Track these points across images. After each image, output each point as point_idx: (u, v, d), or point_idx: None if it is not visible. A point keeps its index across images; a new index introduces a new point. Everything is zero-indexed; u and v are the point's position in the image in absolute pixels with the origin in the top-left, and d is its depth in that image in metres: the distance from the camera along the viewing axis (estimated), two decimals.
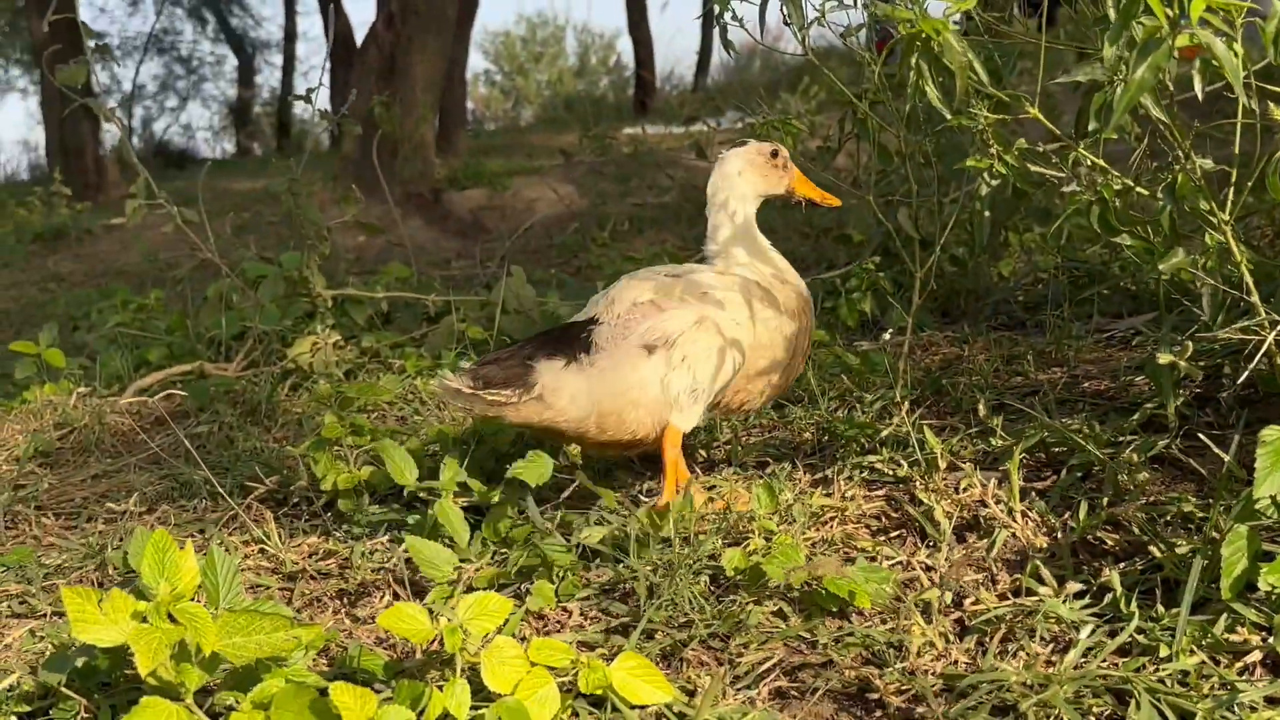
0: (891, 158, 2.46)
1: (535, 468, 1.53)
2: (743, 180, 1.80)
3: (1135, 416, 1.60)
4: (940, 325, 2.54)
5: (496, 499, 1.58)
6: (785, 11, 1.77)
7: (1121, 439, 1.57)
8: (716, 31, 1.98)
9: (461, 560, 1.52)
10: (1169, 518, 1.39)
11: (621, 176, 6.26)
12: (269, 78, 21.07)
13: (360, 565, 1.58)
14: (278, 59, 18.97)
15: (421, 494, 1.63)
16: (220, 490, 1.83)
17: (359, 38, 7.40)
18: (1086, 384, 1.89)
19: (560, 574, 1.45)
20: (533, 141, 10.92)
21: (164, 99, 19.45)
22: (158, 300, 3.51)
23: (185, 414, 2.52)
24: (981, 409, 1.68)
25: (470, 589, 1.46)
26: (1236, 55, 1.10)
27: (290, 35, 17.71)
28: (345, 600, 1.55)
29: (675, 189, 5.73)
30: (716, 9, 1.87)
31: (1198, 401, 1.65)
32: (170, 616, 1.11)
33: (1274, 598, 1.18)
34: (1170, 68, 1.23)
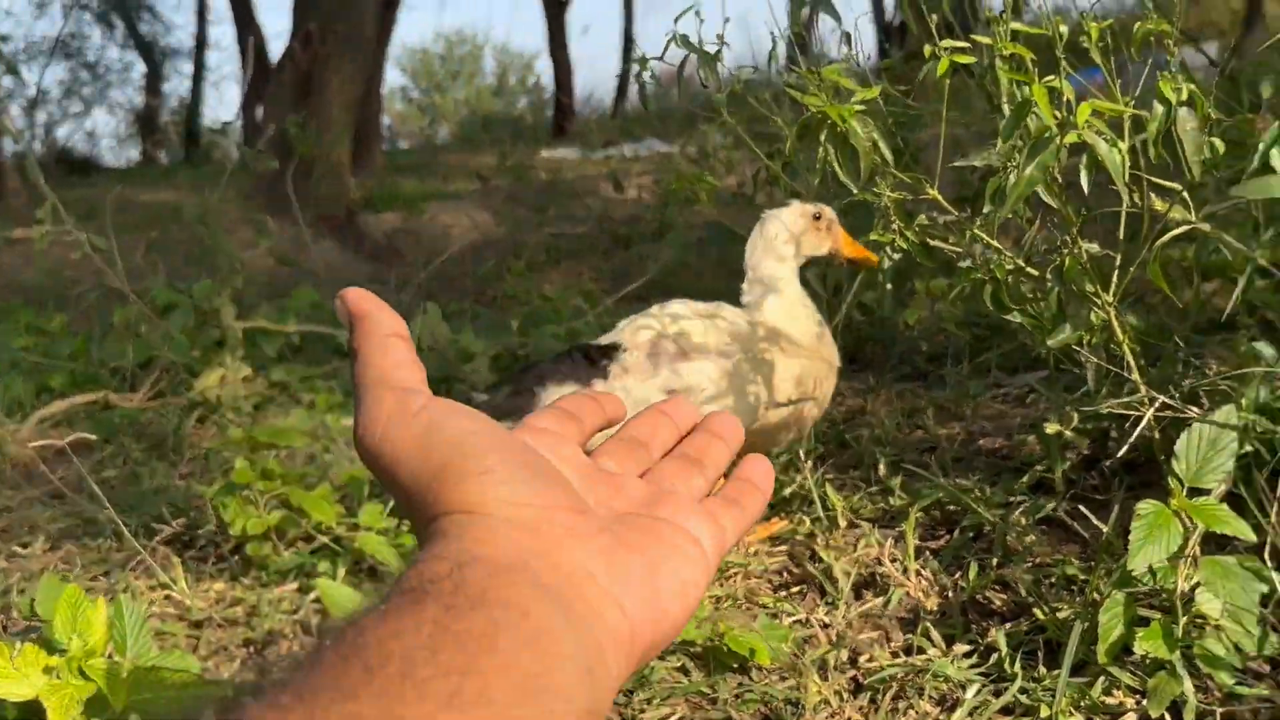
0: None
1: None
2: (786, 241, 1.78)
3: (1025, 479, 1.67)
4: (848, 373, 2.61)
5: (410, 544, 1.61)
6: (702, 74, 1.83)
7: (1012, 500, 1.64)
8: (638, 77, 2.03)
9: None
10: (1054, 580, 1.45)
11: (539, 204, 6.30)
12: (178, 86, 20.78)
13: (268, 613, 1.59)
14: (187, 67, 18.73)
15: (339, 536, 1.65)
16: (126, 532, 1.82)
17: (275, 49, 7.34)
18: (982, 441, 1.96)
19: None
20: (449, 161, 10.90)
21: (69, 105, 19.07)
22: (61, 325, 3.46)
23: (89, 446, 2.49)
24: (882, 468, 1.75)
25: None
26: (1119, 153, 1.17)
27: (201, 43, 17.50)
28: (252, 649, 1.56)
29: (592, 220, 5.78)
30: (636, 68, 1.92)
31: (1086, 465, 1.73)
32: (81, 671, 1.12)
33: (1148, 662, 1.25)
34: (1063, 158, 1.31)
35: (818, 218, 1.77)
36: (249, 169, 4.21)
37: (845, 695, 1.32)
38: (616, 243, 5.18)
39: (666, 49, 1.86)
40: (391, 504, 1.72)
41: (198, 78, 17.65)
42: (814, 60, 1.71)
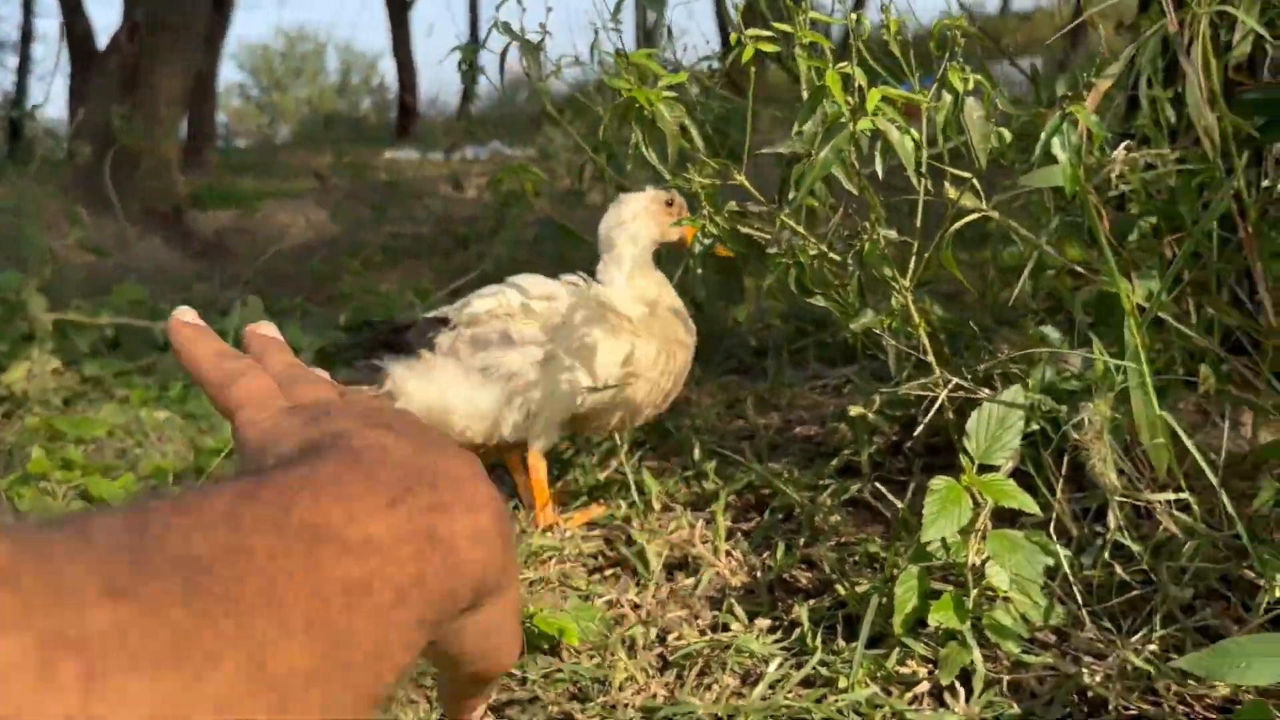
0: None
1: None
2: (639, 224, 1.78)
3: (834, 462, 1.72)
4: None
5: None
6: (525, 64, 1.83)
7: (821, 483, 1.68)
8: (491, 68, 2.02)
9: None
10: (857, 557, 1.50)
11: (377, 204, 6.19)
12: (1, 79, 19.88)
13: None
14: (12, 60, 17.94)
15: None
16: None
17: (104, 42, 7.08)
18: (798, 429, 2.01)
19: None
20: (288, 161, 10.67)
21: None
22: None
23: None
24: (696, 453, 1.78)
25: None
26: (910, 140, 1.21)
27: (27, 35, 16.77)
28: None
29: (432, 220, 5.72)
30: (460, 58, 1.91)
31: (892, 449, 1.79)
32: None
33: (940, 633, 1.29)
34: (863, 144, 1.35)
35: (670, 204, 1.80)
36: (72, 161, 4.05)
37: (652, 672, 1.34)
38: (456, 242, 5.13)
39: (488, 37, 1.86)
40: None
41: (23, 71, 16.92)
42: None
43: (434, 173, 7.63)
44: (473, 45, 1.89)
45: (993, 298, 1.87)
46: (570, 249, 3.78)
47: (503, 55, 1.83)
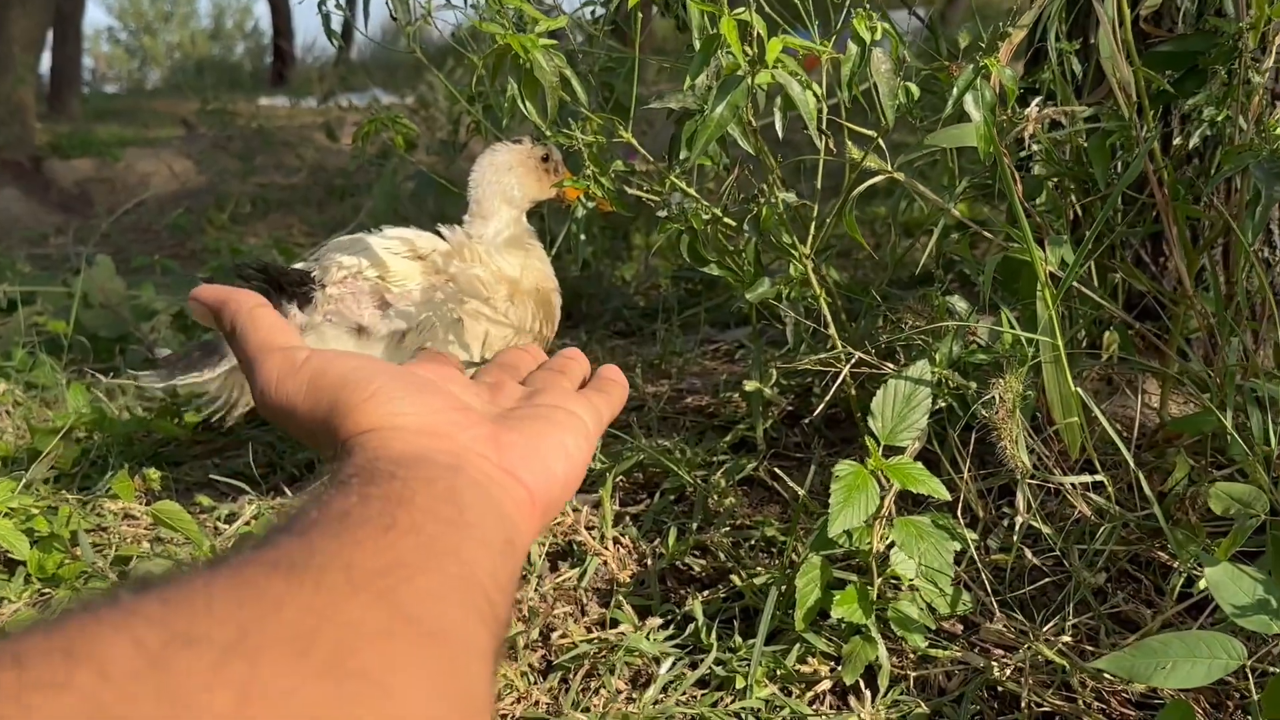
0: None
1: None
2: (512, 177, 1.65)
3: (728, 437, 1.62)
4: (561, 330, 2.52)
5: (47, 530, 1.41)
6: (391, 6, 1.68)
7: (714, 460, 1.58)
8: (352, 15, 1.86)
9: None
10: (754, 542, 1.41)
11: (247, 153, 5.92)
12: None
13: None
14: None
15: None
16: None
17: None
18: (690, 399, 1.91)
19: None
20: (157, 108, 10.20)
21: None
22: None
23: None
24: None
25: (2, 635, 1.29)
26: (816, 97, 1.11)
27: None
28: None
29: (305, 170, 5.48)
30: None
31: (789, 422, 1.69)
32: None
33: (844, 627, 1.21)
34: (761, 101, 1.24)
35: (545, 159, 1.66)
36: None
37: (534, 677, 1.23)
38: (330, 194, 4.92)
39: None
40: (23, 482, 1.52)
41: None
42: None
43: (308, 121, 7.33)
44: None
45: (893, 260, 1.78)
46: (449, 204, 3.62)
47: (365, 6, 1.67)
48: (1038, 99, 1.24)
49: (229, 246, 3.73)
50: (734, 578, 1.32)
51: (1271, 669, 1.07)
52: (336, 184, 5.06)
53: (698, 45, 1.09)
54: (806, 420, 1.62)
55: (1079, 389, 1.20)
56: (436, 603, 0.44)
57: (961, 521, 1.26)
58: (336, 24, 1.90)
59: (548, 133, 1.29)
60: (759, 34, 1.03)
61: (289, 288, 1.50)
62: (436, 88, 7.03)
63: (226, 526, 1.54)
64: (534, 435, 0.60)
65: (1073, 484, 1.28)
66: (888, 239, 1.72)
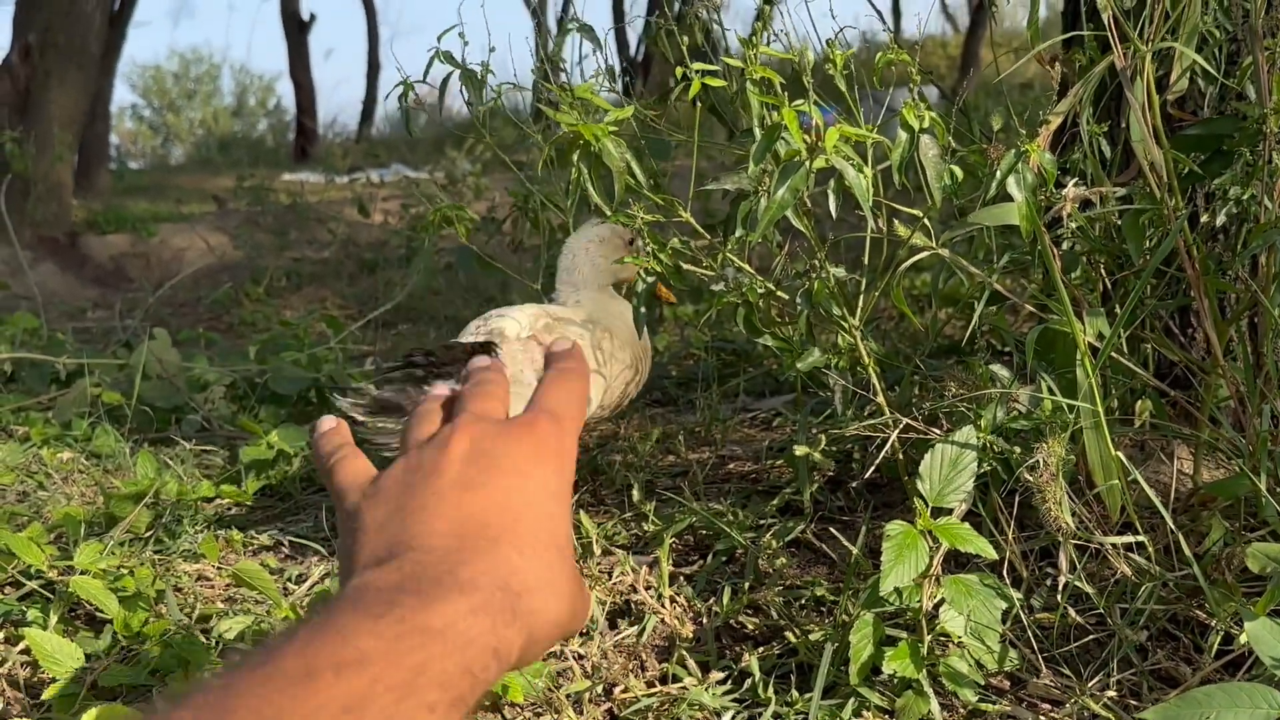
0: (555, 233, 2.49)
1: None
2: (602, 250, 1.84)
3: (775, 501, 1.69)
4: None
5: (133, 589, 1.47)
6: (465, 92, 1.78)
7: (762, 523, 1.65)
8: (394, 98, 1.97)
9: (89, 656, 1.41)
10: (804, 601, 1.46)
11: (279, 228, 6.06)
12: None
13: None
14: None
15: (51, 581, 1.50)
16: None
17: None
18: (732, 465, 1.97)
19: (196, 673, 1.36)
20: (183, 184, 10.41)
21: None
22: None
23: None
24: (636, 493, 1.73)
25: (96, 688, 1.35)
26: (866, 179, 1.19)
27: None
28: None
29: (336, 244, 5.60)
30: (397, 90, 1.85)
31: (831, 486, 1.76)
32: None
33: (896, 681, 1.26)
34: (811, 182, 1.32)
35: (631, 242, 1.78)
36: None
37: None
38: (362, 268, 5.03)
39: (429, 68, 1.80)
40: (108, 545, 1.59)
41: None
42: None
43: (337, 196, 7.49)
44: (415, 79, 1.83)
45: (934, 330, 1.85)
46: (485, 279, 3.72)
47: (443, 85, 1.77)
48: (1073, 180, 1.31)
49: (268, 318, 3.83)
50: (789, 634, 1.38)
51: None
52: (367, 258, 5.18)
53: (758, 133, 1.17)
54: (853, 484, 1.68)
55: (1119, 454, 1.27)
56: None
57: (1006, 581, 1.32)
58: (386, 105, 2.00)
59: (608, 213, 1.37)
60: (818, 124, 1.12)
61: (453, 364, 1.64)
62: (459, 161, 7.18)
63: (296, 587, 1.61)
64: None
65: (1114, 545, 1.33)
66: (927, 310, 1.79)
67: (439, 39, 1.53)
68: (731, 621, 1.46)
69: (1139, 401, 1.51)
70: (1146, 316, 1.60)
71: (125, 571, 1.49)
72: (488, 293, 3.80)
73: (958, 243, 1.57)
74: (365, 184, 6.85)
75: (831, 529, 1.57)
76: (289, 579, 1.64)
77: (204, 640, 1.40)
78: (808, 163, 1.12)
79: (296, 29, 14.01)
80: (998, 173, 1.18)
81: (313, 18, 14.22)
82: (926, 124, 1.18)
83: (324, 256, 5.41)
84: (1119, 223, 1.39)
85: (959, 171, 1.23)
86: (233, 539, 1.66)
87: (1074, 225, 1.35)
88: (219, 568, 1.63)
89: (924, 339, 2.02)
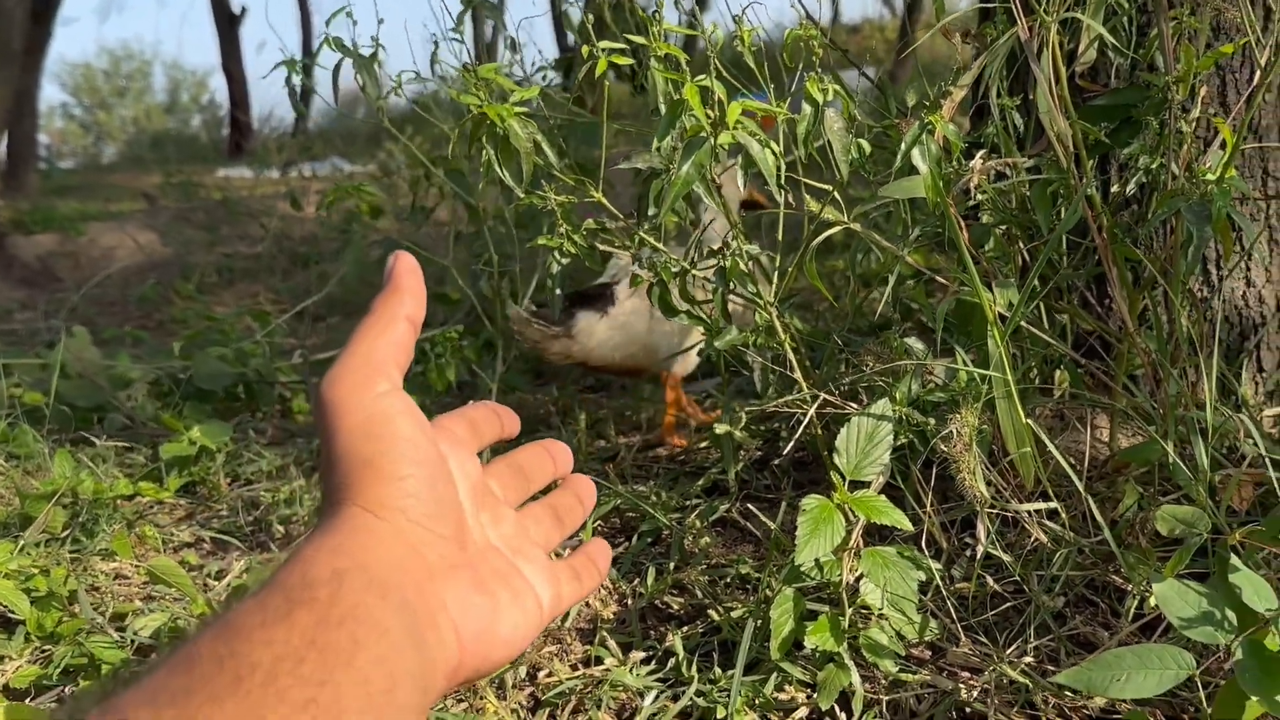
0: (480, 218, 2.48)
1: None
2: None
3: (701, 481, 1.69)
4: (534, 387, 2.58)
5: (45, 589, 1.44)
6: (360, 80, 1.76)
7: (688, 503, 1.64)
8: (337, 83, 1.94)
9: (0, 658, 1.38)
10: (729, 580, 1.46)
11: (210, 224, 5.97)
12: None
13: None
14: None
15: None
16: None
17: None
18: (662, 448, 1.97)
19: (109, 673, 1.34)
20: (115, 182, 10.22)
21: None
22: None
23: None
24: None
25: (7, 689, 1.33)
26: (775, 155, 1.18)
27: None
28: None
29: (269, 239, 5.52)
30: (286, 72, 1.83)
31: (758, 465, 1.76)
32: None
33: (818, 655, 1.26)
34: (722, 158, 1.31)
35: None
36: None
37: (524, 714, 1.28)
38: (295, 262, 4.97)
39: (318, 52, 1.78)
40: (20, 545, 1.56)
41: None
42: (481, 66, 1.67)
43: (270, 190, 7.39)
44: (300, 61, 1.81)
45: (852, 308, 1.86)
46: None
47: (335, 71, 1.75)
48: (982, 152, 1.32)
49: (197, 314, 3.77)
50: (712, 613, 1.38)
51: (1219, 679, 1.13)
52: (301, 252, 5.11)
53: (663, 110, 1.17)
54: (775, 462, 1.68)
55: (1030, 422, 1.28)
56: None
57: (926, 552, 1.33)
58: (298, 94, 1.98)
59: (519, 194, 1.36)
60: (719, 98, 1.11)
61: (589, 300, 1.94)
62: (396, 155, 7.11)
63: (216, 583, 1.59)
64: (496, 606, 0.62)
65: (1029, 512, 1.34)
66: (848, 289, 1.80)
67: (327, 24, 1.51)
68: (656, 602, 1.46)
69: (1057, 372, 1.52)
70: (1064, 287, 1.61)
71: (37, 571, 1.46)
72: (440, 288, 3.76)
73: (876, 220, 1.58)
74: (299, 178, 6.76)
75: (756, 507, 1.57)
76: (209, 575, 1.61)
77: (119, 638, 1.38)
78: (712, 139, 1.12)
79: (228, 22, 13.80)
80: (902, 146, 1.18)
81: (244, 10, 14.01)
82: (830, 96, 1.18)
83: (256, 252, 5.34)
84: (1029, 194, 1.40)
85: (866, 145, 1.23)
86: (145, 534, 1.63)
87: (983, 197, 1.35)
88: (136, 566, 1.60)
89: (849, 317, 2.02)
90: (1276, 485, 1.37)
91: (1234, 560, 1.11)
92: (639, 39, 1.22)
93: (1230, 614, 1.06)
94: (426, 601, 0.57)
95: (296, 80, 1.90)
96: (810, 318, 2.55)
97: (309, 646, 0.48)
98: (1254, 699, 1.03)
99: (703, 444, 1.90)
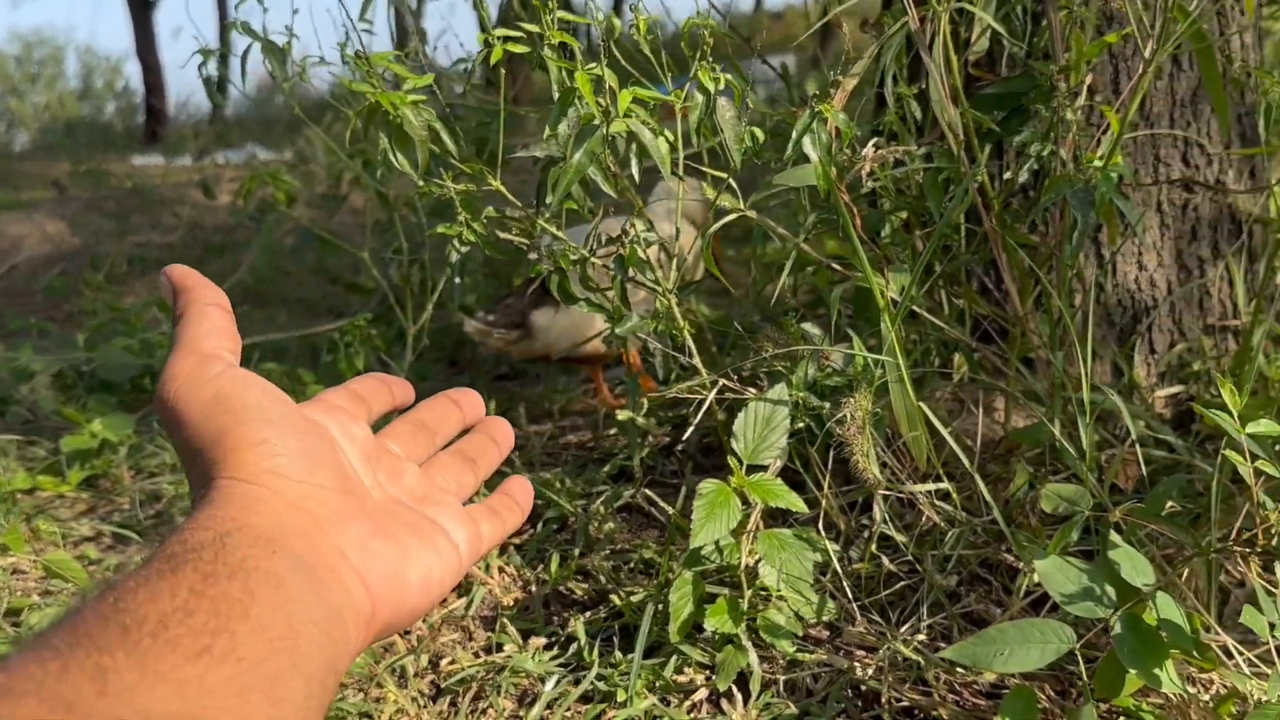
0: (390, 206, 2.46)
1: None
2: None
3: (607, 468, 1.70)
4: (448, 375, 2.57)
5: None
6: (268, 66, 1.74)
7: (595, 490, 1.65)
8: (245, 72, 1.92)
9: None
10: (633, 565, 1.48)
11: (121, 213, 5.85)
12: None
13: None
14: None
15: None
16: None
17: None
18: (572, 435, 1.98)
19: None
20: (27, 170, 9.97)
21: None
22: None
23: None
24: None
25: None
26: (669, 143, 1.19)
27: None
28: None
29: (182, 228, 5.43)
30: (201, 59, 1.80)
31: (665, 451, 1.77)
32: None
33: (717, 638, 1.28)
34: (621, 147, 1.32)
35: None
36: None
37: (424, 701, 1.28)
38: (208, 251, 4.90)
39: (227, 37, 1.76)
40: None
41: None
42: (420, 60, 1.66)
43: (184, 179, 7.26)
44: (215, 50, 1.78)
45: (756, 295, 1.88)
46: (330, 257, 3.65)
47: (244, 57, 1.73)
48: (875, 140, 1.34)
49: (105, 305, 3.70)
50: (614, 598, 1.39)
51: (1103, 653, 1.17)
52: (214, 240, 5.04)
53: (556, 98, 1.17)
54: (679, 448, 1.70)
55: (922, 405, 1.30)
56: None
57: (825, 534, 1.35)
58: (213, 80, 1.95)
59: (419, 182, 1.36)
60: (611, 86, 1.12)
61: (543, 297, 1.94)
62: (314, 143, 7.02)
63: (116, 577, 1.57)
64: (404, 551, 0.59)
65: (923, 494, 1.37)
66: (754, 277, 1.82)
67: (236, 8, 1.49)
68: (561, 588, 1.46)
69: (956, 356, 1.56)
70: (961, 273, 1.64)
71: None
72: (336, 271, 3.73)
73: (778, 205, 1.60)
74: (216, 166, 6.66)
75: (661, 493, 1.58)
76: (107, 569, 1.59)
77: (14, 633, 1.36)
78: (604, 126, 1.13)
79: (141, 7, 13.53)
80: (794, 134, 1.20)
81: None
82: (722, 85, 1.19)
83: (169, 241, 5.25)
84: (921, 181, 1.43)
85: (760, 133, 1.25)
86: (39, 529, 1.61)
87: (876, 184, 1.38)
88: (34, 560, 1.58)
89: (754, 300, 2.05)
90: (1144, 464, 1.42)
91: (1114, 537, 1.14)
92: (532, 27, 1.22)
93: (1110, 589, 1.10)
94: (321, 553, 0.54)
95: (212, 69, 1.88)
96: (725, 305, 2.57)
97: (198, 598, 0.46)
98: (1133, 672, 1.07)
99: (611, 431, 1.91)
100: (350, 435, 0.64)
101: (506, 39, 1.23)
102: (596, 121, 1.12)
